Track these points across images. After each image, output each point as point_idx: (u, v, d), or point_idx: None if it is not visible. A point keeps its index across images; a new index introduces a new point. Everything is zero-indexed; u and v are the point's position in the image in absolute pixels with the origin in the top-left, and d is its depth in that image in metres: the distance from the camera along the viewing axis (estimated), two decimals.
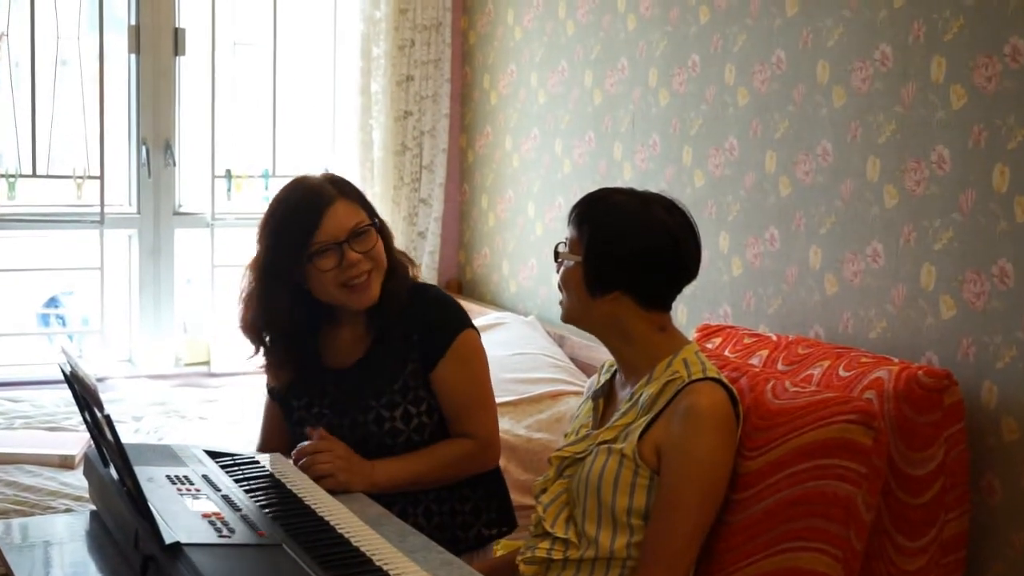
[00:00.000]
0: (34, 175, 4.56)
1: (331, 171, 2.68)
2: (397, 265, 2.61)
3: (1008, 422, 2.53)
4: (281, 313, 2.54)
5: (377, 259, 2.54)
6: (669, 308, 2.34)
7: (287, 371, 2.62)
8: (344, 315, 2.61)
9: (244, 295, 2.59)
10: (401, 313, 2.59)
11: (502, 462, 3.00)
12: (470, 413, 2.60)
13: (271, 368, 2.65)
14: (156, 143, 4.63)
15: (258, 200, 4.85)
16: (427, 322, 2.59)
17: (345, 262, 2.50)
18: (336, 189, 2.54)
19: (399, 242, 4.51)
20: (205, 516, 1.99)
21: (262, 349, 2.64)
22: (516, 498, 3.16)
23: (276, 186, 4.79)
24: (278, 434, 2.73)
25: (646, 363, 2.31)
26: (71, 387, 2.12)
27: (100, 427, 1.97)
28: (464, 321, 2.63)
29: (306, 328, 2.59)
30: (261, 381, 4.48)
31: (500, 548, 2.82)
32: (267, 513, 2.08)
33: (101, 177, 4.55)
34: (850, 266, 2.97)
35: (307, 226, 2.49)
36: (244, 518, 2.01)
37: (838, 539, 2.25)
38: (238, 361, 4.66)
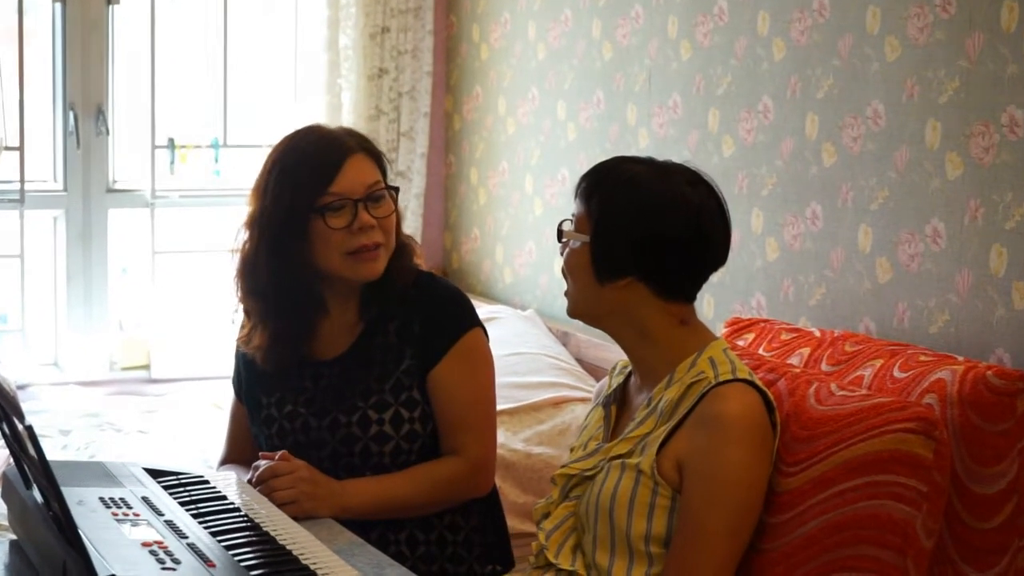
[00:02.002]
0: None
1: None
2: (403, 246, 2.65)
3: None
4: (293, 272, 2.56)
5: (388, 232, 2.59)
6: (692, 299, 2.34)
7: (265, 336, 2.62)
8: (333, 298, 2.62)
9: (245, 258, 2.60)
10: (402, 300, 2.62)
11: (497, 481, 3.00)
12: (465, 426, 2.61)
13: (250, 327, 2.66)
14: (86, 108, 4.62)
15: (207, 175, 4.85)
16: (432, 313, 2.62)
17: (356, 223, 2.54)
18: (355, 141, 2.60)
19: None
20: (145, 545, 1.99)
21: (242, 306, 2.66)
22: (514, 524, 3.16)
23: (227, 158, 4.85)
24: (247, 441, 2.75)
25: (665, 363, 2.31)
26: None
27: (21, 441, 1.96)
28: (474, 319, 2.67)
29: (313, 301, 2.61)
30: (210, 387, 4.48)
31: None
32: (219, 541, 2.08)
33: (21, 148, 4.54)
34: (906, 248, 2.97)
35: (324, 174, 2.54)
36: (191, 547, 2.01)
37: (894, 569, 2.25)
38: (183, 364, 4.72)
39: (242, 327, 2.71)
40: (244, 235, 2.62)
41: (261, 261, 2.58)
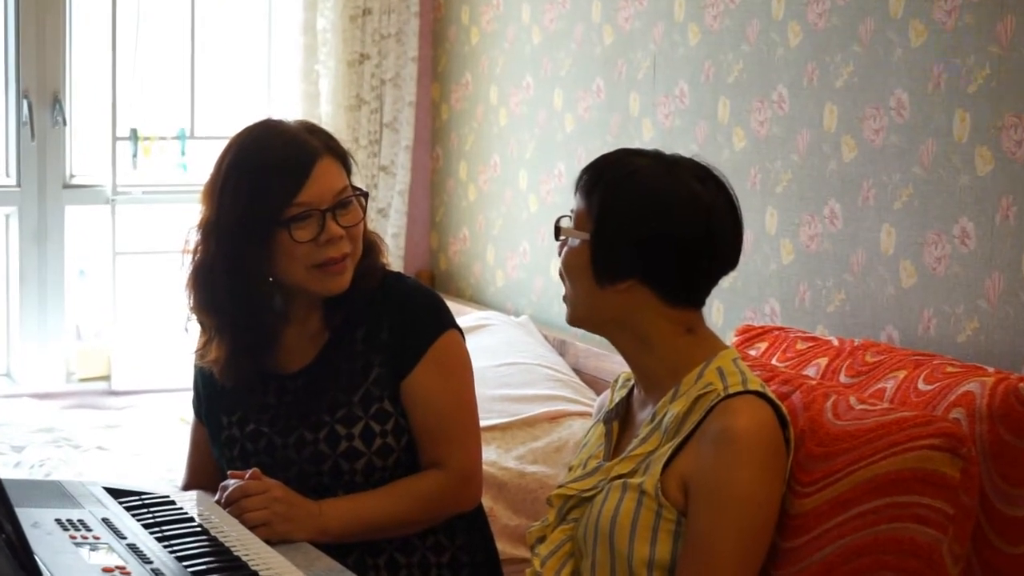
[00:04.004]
0: None
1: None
2: (369, 245, 2.64)
3: None
4: (252, 285, 2.55)
5: (356, 240, 2.58)
6: (700, 304, 2.35)
7: (222, 348, 2.60)
8: (295, 307, 2.62)
9: (198, 269, 2.59)
10: (369, 304, 2.61)
11: (486, 502, 3.00)
12: (446, 436, 2.61)
13: (206, 340, 2.65)
14: (41, 96, 4.62)
15: (172, 169, 4.85)
16: (402, 318, 2.61)
17: (324, 236, 2.52)
18: (319, 142, 2.58)
19: None
20: (106, 571, 1.99)
21: (196, 317, 2.64)
22: (505, 549, 3.16)
23: (194, 151, 4.84)
24: (211, 466, 2.74)
25: (671, 374, 2.32)
26: None
27: None
28: (448, 320, 2.66)
29: (273, 312, 2.60)
30: (175, 400, 4.48)
31: None
32: (186, 567, 2.08)
33: None
34: (932, 250, 2.98)
35: (289, 182, 2.51)
36: (156, 572, 2.01)
37: None
38: (146, 375, 4.72)
39: (199, 339, 2.70)
40: (196, 238, 2.60)
41: (217, 274, 2.55)
